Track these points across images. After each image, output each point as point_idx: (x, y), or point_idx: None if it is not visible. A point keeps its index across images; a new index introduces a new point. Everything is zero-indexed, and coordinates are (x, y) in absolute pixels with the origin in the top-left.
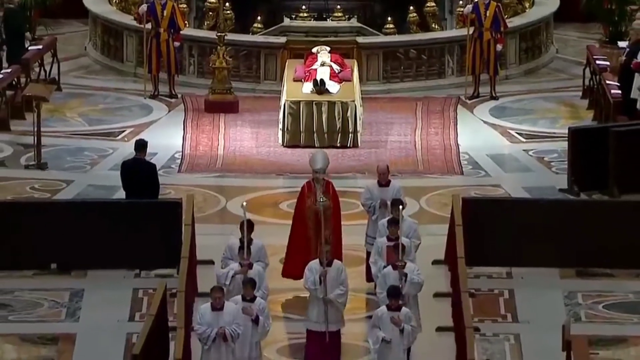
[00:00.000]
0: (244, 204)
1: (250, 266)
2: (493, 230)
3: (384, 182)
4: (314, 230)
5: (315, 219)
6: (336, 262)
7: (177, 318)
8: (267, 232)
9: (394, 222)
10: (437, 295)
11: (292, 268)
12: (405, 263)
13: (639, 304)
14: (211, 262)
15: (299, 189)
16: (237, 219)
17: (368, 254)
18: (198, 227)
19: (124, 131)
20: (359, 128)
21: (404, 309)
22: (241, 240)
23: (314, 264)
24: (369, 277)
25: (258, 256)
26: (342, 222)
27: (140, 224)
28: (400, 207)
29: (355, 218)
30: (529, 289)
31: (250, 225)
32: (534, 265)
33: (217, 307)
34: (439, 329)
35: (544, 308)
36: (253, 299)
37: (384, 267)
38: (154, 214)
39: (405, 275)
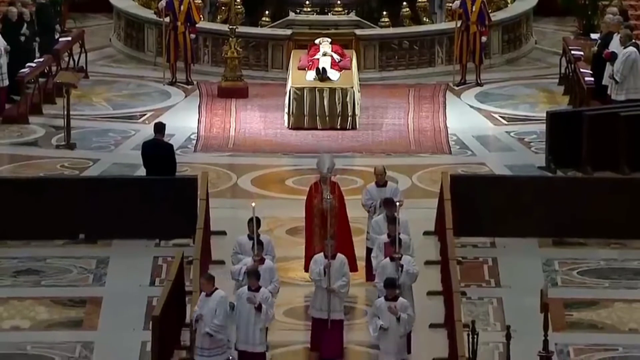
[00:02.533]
0: (253, 204)
1: (262, 261)
2: (478, 204)
3: (381, 183)
4: (319, 227)
5: (321, 217)
6: (339, 255)
7: (192, 283)
8: (274, 205)
9: (392, 221)
10: (427, 262)
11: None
12: (402, 255)
13: (609, 270)
14: (224, 233)
15: (303, 167)
16: (247, 194)
17: (368, 249)
18: (212, 201)
19: (145, 115)
20: (357, 112)
21: (400, 299)
22: (250, 237)
23: (319, 256)
24: (369, 277)
25: (266, 250)
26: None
27: (159, 198)
28: (398, 204)
29: (355, 193)
30: (511, 257)
31: (258, 222)
32: (515, 236)
33: (207, 294)
34: (430, 293)
35: (524, 274)
36: (258, 289)
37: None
38: (172, 189)
39: (402, 266)
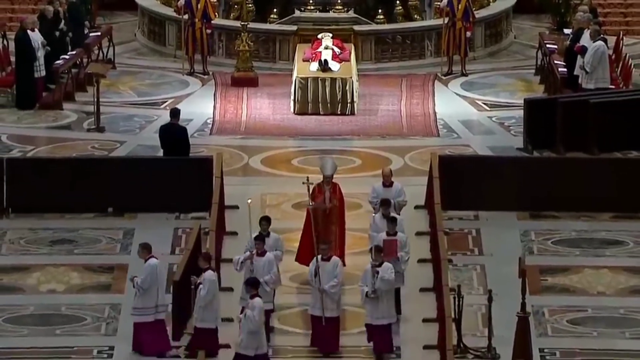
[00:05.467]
0: (249, 200)
1: (263, 254)
2: (463, 181)
3: (387, 184)
4: (322, 226)
5: (323, 216)
6: (334, 258)
7: (208, 252)
8: (281, 183)
9: (392, 220)
10: (418, 233)
11: (304, 257)
12: (382, 263)
13: (579, 240)
14: (236, 207)
15: (307, 148)
16: (257, 173)
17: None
18: (226, 179)
19: (166, 101)
20: (355, 99)
21: (257, 299)
22: (261, 235)
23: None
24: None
25: (275, 246)
26: (344, 197)
27: (179, 176)
28: (399, 204)
29: (354, 171)
30: (492, 228)
31: (267, 220)
32: (496, 209)
33: (144, 260)
34: (420, 261)
35: (504, 243)
36: (206, 270)
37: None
38: (190, 168)
39: (377, 272)
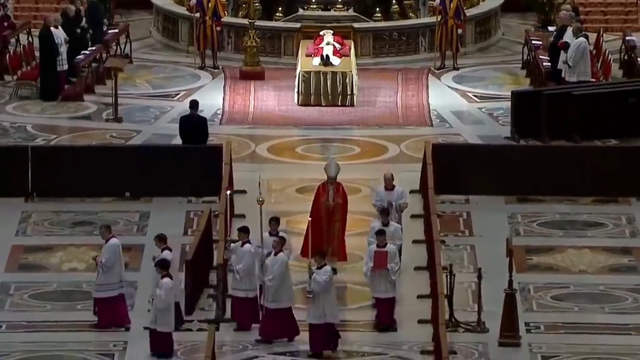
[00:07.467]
0: (229, 192)
1: (244, 244)
2: (455, 167)
3: (389, 187)
4: (326, 222)
5: (327, 212)
6: (280, 254)
7: (218, 233)
8: (286, 169)
9: (381, 233)
10: (413, 216)
11: (306, 251)
12: (323, 266)
13: (563, 222)
14: (244, 192)
15: (310, 137)
16: (264, 160)
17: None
18: (234, 165)
19: (179, 94)
20: (355, 91)
21: (166, 279)
22: (270, 234)
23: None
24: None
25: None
26: (346, 191)
27: (191, 163)
28: (402, 206)
29: (353, 159)
30: (482, 211)
31: (277, 220)
32: (485, 194)
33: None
34: (414, 242)
35: (492, 225)
36: (163, 250)
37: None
38: (201, 155)
39: (312, 274)
